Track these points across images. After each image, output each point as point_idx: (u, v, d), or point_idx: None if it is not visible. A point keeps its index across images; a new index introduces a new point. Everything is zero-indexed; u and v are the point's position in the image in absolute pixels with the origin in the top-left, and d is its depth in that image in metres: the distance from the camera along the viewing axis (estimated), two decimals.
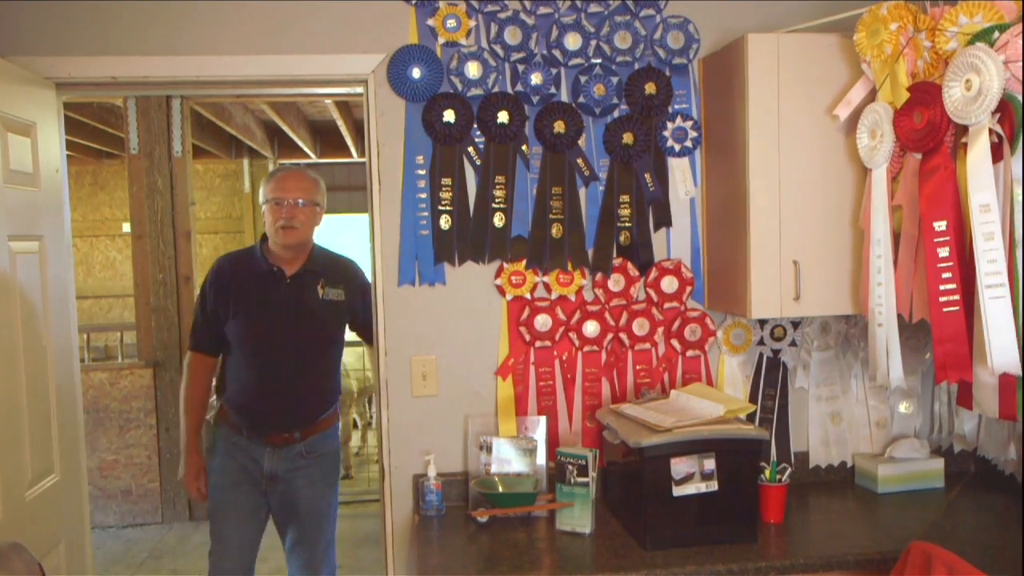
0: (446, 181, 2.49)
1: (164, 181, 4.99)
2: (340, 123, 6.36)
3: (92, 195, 9.25)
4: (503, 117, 2.48)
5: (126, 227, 7.73)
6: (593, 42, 2.50)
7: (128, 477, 5.04)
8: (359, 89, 2.58)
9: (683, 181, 2.58)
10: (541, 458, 2.47)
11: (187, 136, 5.02)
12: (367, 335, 2.77)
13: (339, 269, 2.79)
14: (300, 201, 2.63)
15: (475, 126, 2.50)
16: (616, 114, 2.54)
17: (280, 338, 2.64)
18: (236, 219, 9.30)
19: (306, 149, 7.56)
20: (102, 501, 4.99)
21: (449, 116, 2.47)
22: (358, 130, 6.74)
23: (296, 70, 2.47)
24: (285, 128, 6.55)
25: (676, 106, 2.55)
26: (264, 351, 2.65)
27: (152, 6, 2.41)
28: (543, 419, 2.52)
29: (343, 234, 10.17)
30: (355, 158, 7.64)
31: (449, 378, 2.55)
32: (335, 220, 9.84)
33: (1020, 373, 1.81)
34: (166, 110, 4.96)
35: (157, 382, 5.02)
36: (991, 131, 1.81)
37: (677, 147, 2.56)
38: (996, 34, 1.83)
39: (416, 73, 2.46)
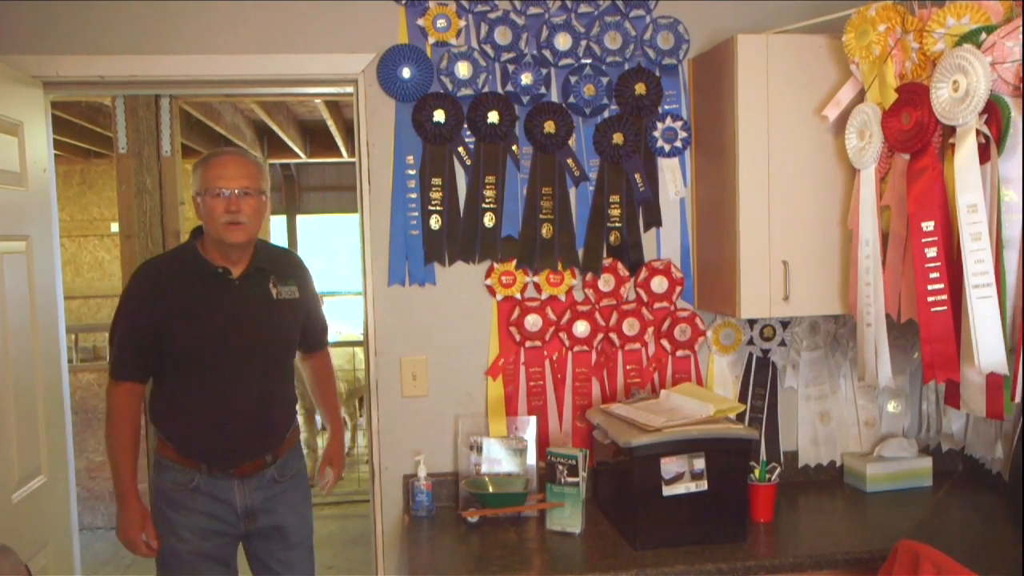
0: (436, 181, 2.49)
1: (153, 181, 4.96)
2: (330, 123, 6.34)
3: (80, 195, 9.19)
4: (493, 117, 2.48)
5: (114, 227, 7.69)
6: (583, 42, 2.51)
7: (105, 480, 5.00)
8: (349, 89, 2.57)
9: (673, 181, 2.59)
10: (531, 458, 2.47)
11: (176, 136, 4.99)
12: (317, 340, 2.52)
13: (288, 264, 2.40)
14: (245, 190, 2.20)
15: (465, 126, 2.50)
16: (606, 114, 2.54)
17: (236, 349, 2.23)
18: None
19: (296, 149, 7.53)
20: (90, 502, 4.95)
21: (439, 116, 2.46)
22: (348, 130, 6.71)
23: (286, 70, 2.46)
24: (275, 128, 6.53)
25: (666, 106, 2.56)
26: (219, 367, 2.21)
27: (141, 5, 2.40)
28: (533, 419, 2.52)
29: (333, 234, 10.17)
30: (345, 158, 7.62)
31: (439, 378, 2.55)
32: (325, 220, 9.84)
33: (1007, 372, 1.82)
34: (155, 109, 4.92)
35: None
36: (978, 132, 1.83)
37: (667, 147, 2.56)
38: (983, 35, 1.84)
39: (406, 73, 2.46)
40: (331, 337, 2.72)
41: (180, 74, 2.44)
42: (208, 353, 2.21)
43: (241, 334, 2.23)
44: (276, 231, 9.24)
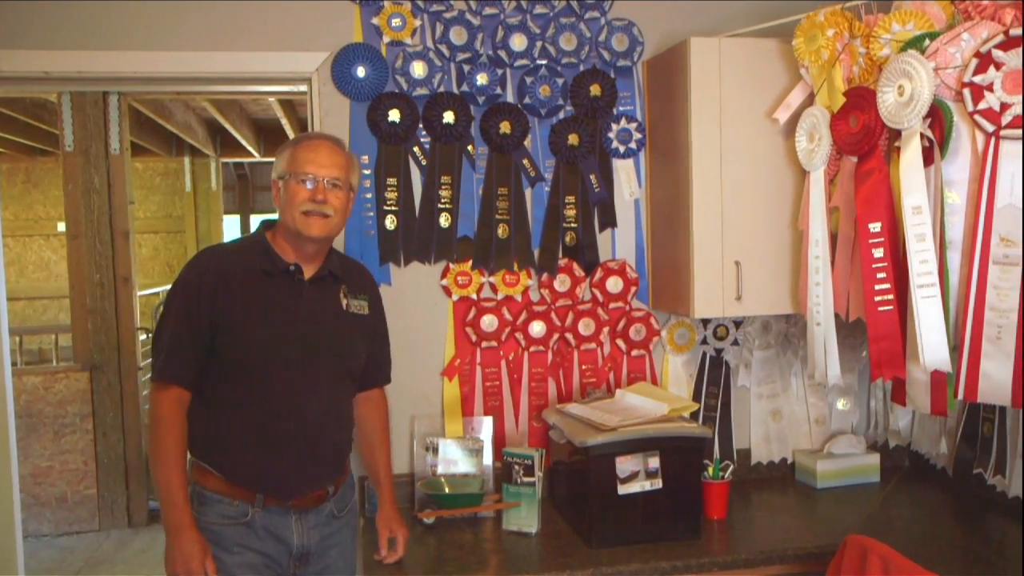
0: (391, 181, 2.47)
1: (101, 179, 4.85)
2: (284, 122, 6.27)
3: (25, 193, 8.96)
4: (449, 117, 2.47)
5: (61, 226, 7.52)
6: (539, 43, 2.51)
7: (63, 484, 4.89)
8: (303, 87, 2.55)
9: (628, 182, 2.61)
10: (488, 458, 2.47)
11: (125, 133, 4.89)
12: (380, 373, 2.21)
13: (359, 275, 2.15)
14: (335, 181, 1.95)
15: (421, 126, 2.48)
16: (561, 115, 2.55)
17: (304, 359, 1.94)
18: (177, 219, 9.10)
19: (249, 148, 7.44)
20: (36, 509, 4.83)
21: (394, 116, 2.45)
22: (303, 129, 6.64)
23: (238, 67, 2.43)
24: (228, 126, 6.44)
25: (621, 108, 2.58)
26: (283, 379, 1.91)
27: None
28: (489, 419, 2.52)
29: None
30: None
31: (395, 379, 2.51)
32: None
33: (950, 370, 1.86)
34: (103, 106, 4.82)
35: (94, 386, 4.88)
36: (922, 136, 1.87)
37: (622, 148, 2.58)
38: (927, 42, 1.89)
39: (361, 72, 2.44)
40: None
41: (129, 71, 2.39)
42: (272, 361, 1.90)
43: (310, 343, 1.94)
44: (229, 231, 9.13)
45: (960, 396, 1.86)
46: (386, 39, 2.46)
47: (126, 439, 4.89)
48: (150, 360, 1.98)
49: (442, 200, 2.50)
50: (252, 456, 1.91)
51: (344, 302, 2.03)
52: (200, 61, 2.40)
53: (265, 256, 1.96)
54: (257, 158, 7.91)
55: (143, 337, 5.05)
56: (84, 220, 4.85)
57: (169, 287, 1.98)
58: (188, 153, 8.46)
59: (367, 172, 2.48)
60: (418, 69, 2.46)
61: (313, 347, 1.94)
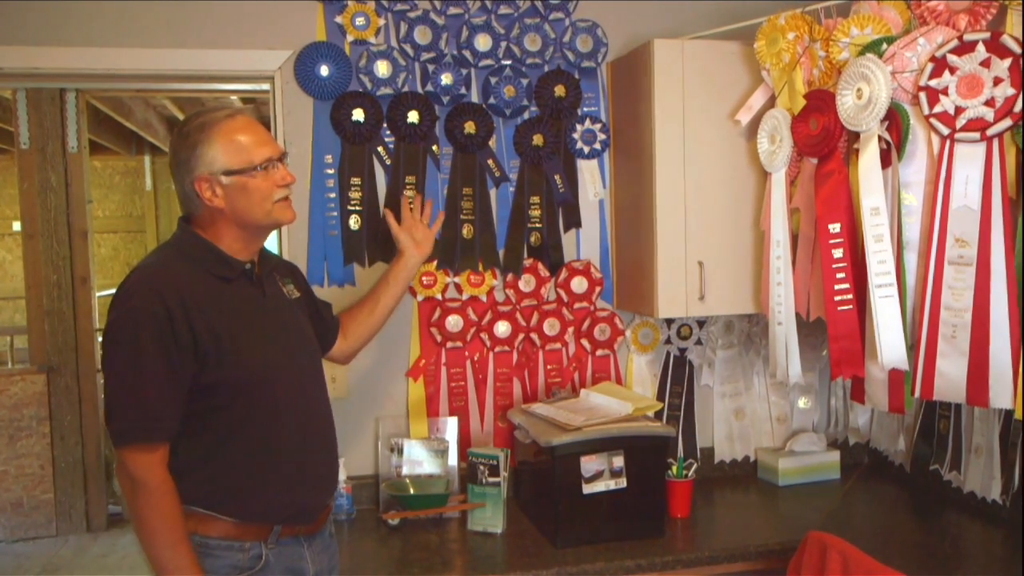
0: (355, 181, 2.46)
1: (58, 178, 4.76)
2: None
3: None
4: (413, 117, 2.46)
5: (16, 226, 7.35)
6: (503, 43, 2.51)
7: (19, 489, 4.79)
8: (265, 86, 2.52)
9: (592, 183, 2.62)
10: (453, 459, 2.47)
11: (83, 131, 4.80)
12: (331, 338, 2.10)
13: (277, 260, 1.96)
14: (285, 156, 1.77)
15: (385, 126, 2.47)
16: (526, 116, 2.56)
17: (289, 364, 1.75)
18: (137, 218, 8.96)
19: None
20: None
21: (358, 115, 2.43)
22: (265, 127, 6.59)
23: (198, 65, 2.39)
24: None
25: (585, 109, 2.58)
26: (282, 391, 1.71)
27: None
28: (454, 420, 2.51)
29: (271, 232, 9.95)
30: None
31: (359, 380, 2.51)
32: None
33: (907, 368, 1.90)
34: (60, 103, 4.73)
35: (51, 388, 4.79)
36: (880, 138, 1.90)
37: (586, 149, 2.59)
38: (884, 46, 1.92)
39: (324, 71, 2.42)
40: None
41: (86, 67, 2.34)
42: (268, 376, 1.69)
43: (288, 344, 1.77)
44: None
45: (917, 394, 1.89)
46: (350, 38, 2.44)
47: (84, 442, 4.80)
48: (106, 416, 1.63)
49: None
50: (266, 484, 1.67)
51: (286, 290, 1.87)
52: (161, 58, 2.36)
53: (216, 260, 1.69)
54: None
55: (101, 339, 4.95)
56: (40, 219, 4.76)
57: (111, 327, 1.60)
58: (148, 151, 8.33)
59: (331, 172, 2.46)
60: (382, 68, 2.45)
61: (291, 348, 1.77)
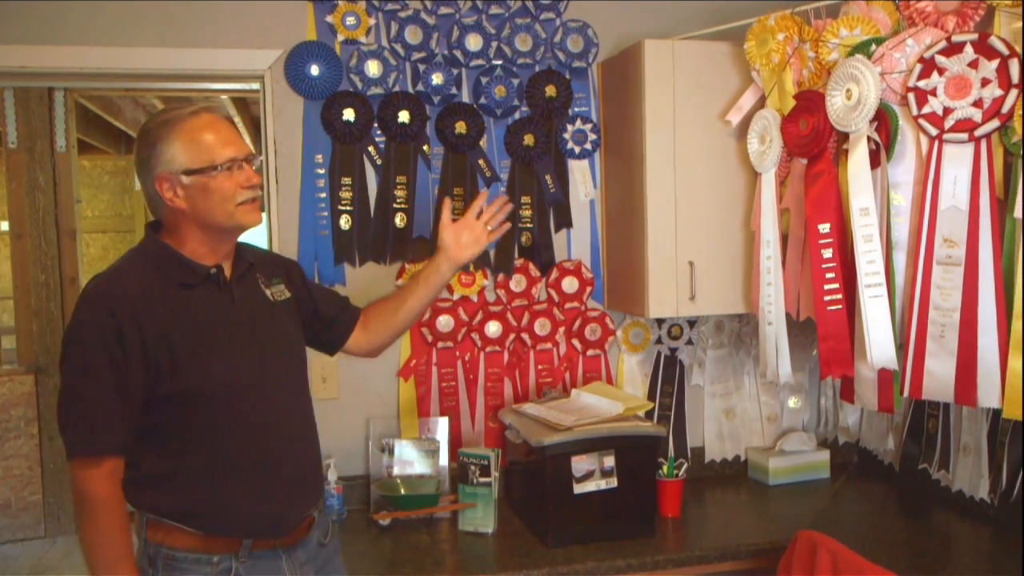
0: (346, 181, 2.45)
1: (46, 177, 4.73)
2: (237, 120, 6.17)
3: None
4: (404, 117, 2.46)
5: (4, 225, 7.30)
6: (494, 43, 2.51)
7: (7, 490, 4.75)
8: (255, 85, 2.51)
9: (583, 183, 2.62)
10: (444, 459, 2.46)
11: (71, 130, 4.77)
12: (351, 311, 1.99)
13: (265, 256, 1.89)
14: (251, 156, 1.67)
15: (375, 125, 2.47)
16: (517, 116, 2.56)
17: (259, 372, 1.67)
18: (127, 218, 8.90)
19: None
20: None
21: (349, 115, 2.43)
22: (256, 127, 6.56)
23: (188, 64, 2.38)
24: None
25: (576, 109, 2.59)
26: (248, 400, 1.64)
27: None
28: (445, 420, 2.51)
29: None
30: None
31: (350, 380, 2.51)
32: None
33: (896, 368, 1.91)
34: (48, 103, 4.70)
35: (39, 389, 4.75)
36: (869, 138, 1.91)
37: (577, 149, 2.59)
38: (873, 47, 1.93)
39: (315, 70, 2.41)
40: None
41: (75, 66, 2.33)
42: (232, 385, 1.62)
43: (259, 351, 1.68)
44: None
45: (906, 393, 1.90)
46: (340, 38, 2.44)
47: None
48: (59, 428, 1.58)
49: (397, 200, 2.48)
50: (233, 497, 1.61)
51: (268, 292, 1.76)
52: (150, 57, 2.35)
53: (178, 266, 1.62)
54: None
55: None
56: (28, 219, 4.73)
57: (64, 338, 1.58)
58: None
59: (321, 172, 2.45)
60: (373, 68, 2.44)
61: (263, 355, 1.68)
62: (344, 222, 2.46)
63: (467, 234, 1.98)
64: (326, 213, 2.46)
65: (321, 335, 1.94)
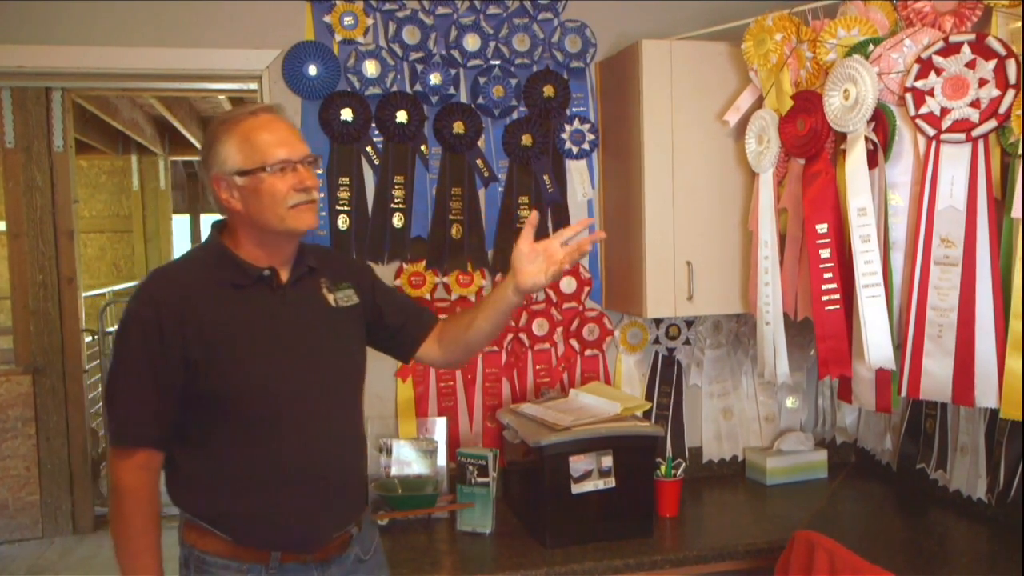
0: (344, 181, 2.45)
1: (44, 177, 4.73)
2: None
3: None
4: (402, 117, 2.46)
5: (1, 225, 7.30)
6: (492, 43, 2.51)
7: (4, 490, 4.75)
8: (253, 85, 2.51)
9: (581, 183, 2.62)
10: (442, 459, 2.46)
11: (69, 130, 4.77)
12: (427, 318, 1.90)
13: (334, 260, 1.85)
14: (309, 159, 1.63)
15: (373, 125, 2.47)
16: (515, 116, 2.56)
17: (305, 380, 1.62)
18: (124, 218, 8.90)
19: (199, 146, 7.32)
20: None
21: (347, 115, 2.43)
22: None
23: (185, 64, 2.38)
24: (176, 124, 6.32)
25: (574, 109, 2.59)
26: (289, 409, 1.60)
27: None
28: (443, 420, 2.51)
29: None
30: None
31: None
32: None
33: (894, 368, 1.91)
34: (46, 102, 4.70)
35: (37, 389, 4.75)
36: (867, 139, 1.91)
37: (575, 149, 2.59)
38: (871, 47, 1.93)
39: (312, 70, 2.41)
40: None
41: (72, 66, 2.33)
42: (272, 391, 1.58)
43: (307, 358, 1.63)
44: (179, 230, 8.96)
45: (903, 393, 1.90)
46: (338, 37, 2.44)
47: (70, 443, 4.77)
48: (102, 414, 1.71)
49: (395, 200, 2.48)
50: (265, 508, 1.57)
51: (330, 298, 1.71)
52: (147, 57, 2.35)
53: (231, 266, 1.61)
54: None
55: (88, 339, 4.93)
56: (26, 219, 4.72)
57: (118, 323, 1.60)
58: (135, 151, 8.28)
59: (319, 172, 2.44)
60: (370, 68, 2.44)
61: (312, 362, 1.63)
62: (342, 222, 2.46)
63: (542, 261, 1.72)
64: (324, 213, 2.45)
65: (388, 342, 1.88)
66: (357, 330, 1.77)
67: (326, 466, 1.62)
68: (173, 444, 1.58)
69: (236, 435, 1.57)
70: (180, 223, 8.97)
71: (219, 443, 1.58)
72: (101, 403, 5.00)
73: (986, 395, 1.78)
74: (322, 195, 2.44)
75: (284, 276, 1.66)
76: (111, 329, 5.71)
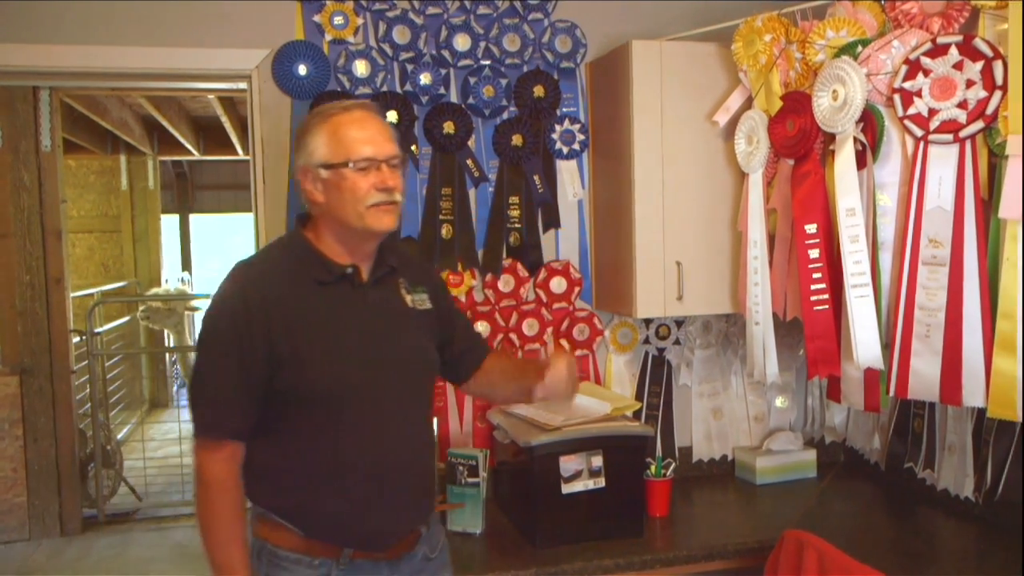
0: None
1: (31, 177, 4.70)
2: (224, 119, 6.15)
3: None
4: (392, 117, 2.45)
5: None
6: (482, 44, 2.51)
7: None
8: (242, 85, 2.50)
9: (571, 183, 2.62)
10: None
11: (57, 130, 4.74)
12: (481, 346, 1.93)
13: (413, 263, 1.83)
14: (393, 160, 1.61)
15: None
16: (505, 116, 2.56)
17: (383, 379, 1.63)
18: (113, 218, 8.84)
19: (188, 146, 7.28)
20: None
21: None
22: (243, 127, 6.53)
23: (174, 63, 2.37)
24: (165, 124, 6.29)
25: (564, 109, 2.59)
26: (367, 408, 1.61)
27: None
28: (434, 420, 2.50)
29: (228, 234, 9.86)
30: (241, 156, 7.41)
31: None
32: (220, 220, 9.54)
33: (882, 367, 1.92)
34: (33, 102, 4.67)
35: (24, 390, 4.72)
36: (856, 139, 1.92)
37: (565, 150, 2.59)
38: (860, 48, 1.94)
39: (302, 70, 2.41)
40: None
41: (60, 65, 2.32)
42: (352, 390, 1.60)
43: (386, 358, 1.64)
44: (168, 231, 8.92)
45: (892, 393, 1.91)
46: (328, 37, 2.43)
47: (58, 445, 4.74)
48: (187, 404, 1.64)
49: None
50: (337, 504, 1.59)
51: (408, 299, 1.72)
52: (136, 56, 2.34)
53: (315, 263, 1.62)
54: (196, 156, 7.74)
55: (76, 340, 4.90)
56: (13, 219, 4.69)
57: (203, 316, 1.62)
58: (124, 151, 8.23)
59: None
60: (361, 68, 2.44)
61: (390, 362, 1.64)
62: None
63: (570, 385, 1.80)
64: None
65: (447, 364, 1.85)
66: (429, 335, 1.77)
67: (399, 464, 1.64)
68: (255, 442, 1.60)
69: (312, 430, 1.59)
70: (169, 223, 8.93)
71: (294, 437, 1.59)
72: (89, 405, 4.98)
73: (974, 394, 1.79)
74: None
75: (365, 274, 1.67)
76: (100, 329, 5.68)
